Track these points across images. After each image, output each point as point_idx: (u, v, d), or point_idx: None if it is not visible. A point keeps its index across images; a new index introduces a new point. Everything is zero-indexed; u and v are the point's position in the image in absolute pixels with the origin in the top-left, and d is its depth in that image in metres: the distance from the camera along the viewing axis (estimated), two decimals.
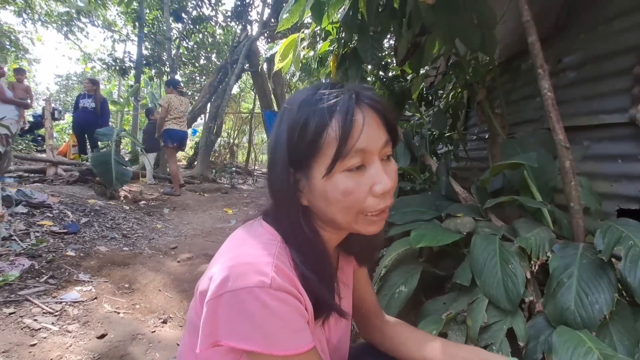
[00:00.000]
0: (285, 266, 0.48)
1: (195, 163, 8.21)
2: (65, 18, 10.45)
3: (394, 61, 2.46)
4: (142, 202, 4.07)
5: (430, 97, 2.44)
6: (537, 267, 1.03)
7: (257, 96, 9.28)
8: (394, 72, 2.49)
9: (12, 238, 2.12)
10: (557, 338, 0.83)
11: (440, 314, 1.07)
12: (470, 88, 2.26)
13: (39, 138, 8.37)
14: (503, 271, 1.00)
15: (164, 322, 1.63)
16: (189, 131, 9.91)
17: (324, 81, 0.56)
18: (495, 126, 2.03)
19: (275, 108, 8.58)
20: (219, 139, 8.95)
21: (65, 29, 10.98)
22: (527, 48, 1.29)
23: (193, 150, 9.73)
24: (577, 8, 1.75)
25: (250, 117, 10.67)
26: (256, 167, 11.19)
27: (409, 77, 2.25)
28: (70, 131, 8.88)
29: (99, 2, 8.91)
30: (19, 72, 6.19)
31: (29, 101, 5.97)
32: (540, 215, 1.23)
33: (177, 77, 8.55)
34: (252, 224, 0.56)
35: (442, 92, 2.45)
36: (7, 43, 11.28)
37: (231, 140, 10.90)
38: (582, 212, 1.11)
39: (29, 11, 9.96)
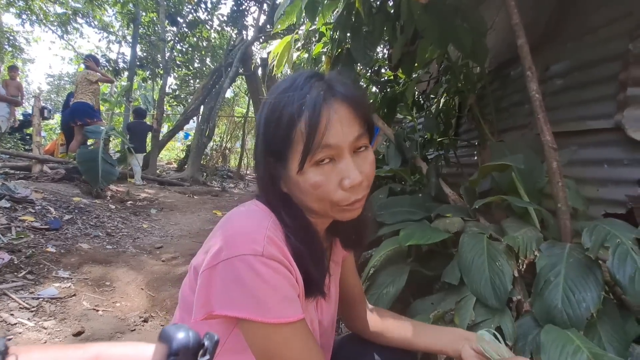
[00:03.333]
0: (277, 238, 0.49)
1: (185, 166, 8.13)
2: (63, 18, 10.36)
3: (387, 66, 2.49)
4: (129, 202, 3.99)
5: (423, 102, 2.47)
6: (524, 266, 1.03)
7: (251, 100, 9.28)
8: (386, 77, 2.52)
9: None
10: (545, 337, 0.82)
11: (428, 314, 1.05)
12: (462, 94, 2.29)
13: (28, 137, 8.20)
14: (490, 269, 0.99)
15: (145, 320, 1.58)
16: (181, 134, 9.83)
17: (304, 70, 0.58)
18: (485, 132, 2.06)
19: None
20: (212, 143, 8.89)
21: (61, 29, 10.87)
22: (516, 56, 1.31)
23: (184, 152, 9.64)
24: (563, 17, 1.80)
25: (243, 121, 10.64)
26: (248, 172, 11.13)
27: (401, 82, 2.27)
28: (59, 130, 8.74)
29: (96, 3, 8.87)
30: (12, 70, 6.13)
31: (19, 98, 5.88)
32: (528, 216, 1.23)
33: (171, 79, 8.51)
34: (246, 203, 0.58)
35: (433, 97, 2.48)
36: (6, 44, 11.14)
37: (224, 144, 10.85)
38: (569, 213, 1.12)
39: (29, 12, 9.85)
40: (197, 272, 0.50)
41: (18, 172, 4.22)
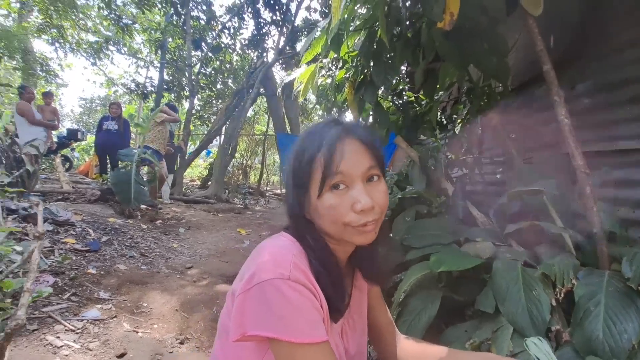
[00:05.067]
0: (302, 264, 0.56)
1: (209, 183, 8.37)
2: (95, 47, 11.13)
3: (408, 87, 2.54)
4: (159, 221, 4.15)
5: (445, 122, 2.49)
6: (562, 295, 1.02)
7: (270, 119, 9.53)
8: (407, 98, 2.55)
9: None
10: None
11: (462, 342, 1.05)
12: (485, 113, 2.29)
13: (62, 157, 8.72)
14: (527, 298, 0.98)
15: (181, 342, 1.64)
16: (203, 152, 10.16)
17: (332, 115, 0.69)
18: (511, 151, 2.05)
19: (289, 130, 8.78)
20: (232, 160, 9.15)
21: (93, 56, 11.67)
22: (539, 74, 1.32)
23: (207, 170, 9.94)
24: (587, 37, 1.79)
25: (263, 139, 10.90)
26: (268, 188, 11.30)
27: (423, 103, 2.30)
28: (92, 151, 9.24)
29: (127, 32, 9.51)
30: (47, 96, 6.55)
31: (56, 123, 6.30)
32: (562, 240, 1.22)
33: (195, 100, 8.88)
34: (275, 235, 0.65)
35: (456, 116, 2.49)
36: (39, 69, 12.02)
37: (244, 162, 11.12)
38: (605, 238, 1.10)
39: (62, 40, 10.67)
40: (234, 298, 0.55)
41: (56, 193, 4.52)
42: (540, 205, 1.33)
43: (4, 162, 3.16)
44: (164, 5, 8.19)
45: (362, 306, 0.75)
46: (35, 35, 10.65)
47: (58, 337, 1.54)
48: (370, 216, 0.57)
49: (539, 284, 1.01)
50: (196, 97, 9.31)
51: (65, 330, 1.60)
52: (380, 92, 2.34)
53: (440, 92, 2.33)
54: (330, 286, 0.58)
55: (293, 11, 8.16)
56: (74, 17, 10.60)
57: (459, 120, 2.42)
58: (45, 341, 1.50)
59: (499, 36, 1.76)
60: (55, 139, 8.87)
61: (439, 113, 2.52)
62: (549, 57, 1.37)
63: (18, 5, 11.09)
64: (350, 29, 1.88)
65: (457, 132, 2.37)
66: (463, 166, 2.37)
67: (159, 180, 5.03)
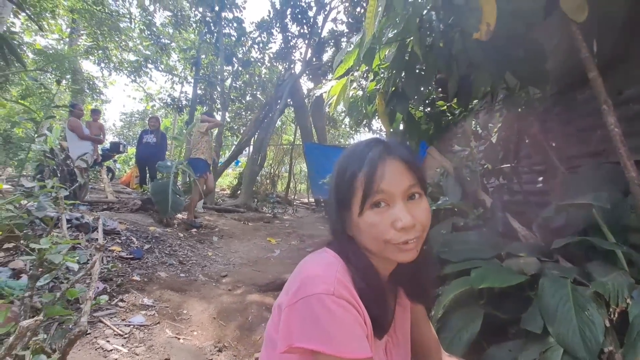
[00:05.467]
0: (346, 280, 0.57)
1: (238, 192, 8.62)
2: (135, 65, 11.97)
3: (440, 97, 2.50)
4: (194, 229, 4.33)
5: (480, 130, 2.42)
6: (616, 315, 0.96)
7: (297, 128, 9.70)
8: (439, 107, 2.52)
9: (89, 262, 2.36)
10: None
11: None
12: (522, 120, 2.21)
13: (106, 168, 9.34)
14: (579, 318, 0.94)
15: (220, 350, 1.69)
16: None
17: (375, 136, 0.70)
18: (553, 159, 1.96)
19: (316, 140, 8.88)
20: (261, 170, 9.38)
21: (133, 74, 12.54)
22: (582, 79, 1.27)
23: (237, 180, 10.25)
24: (633, 40, 1.69)
25: (290, 148, 11.10)
26: (295, 197, 11.43)
27: (456, 112, 2.26)
28: (132, 162, 9.82)
29: (164, 50, 10.15)
30: (95, 113, 7.09)
31: (102, 137, 6.78)
32: (614, 256, 1.15)
33: (226, 113, 9.24)
34: (318, 251, 0.66)
35: (491, 125, 2.42)
36: (86, 87, 13.07)
37: (272, 171, 11.35)
38: None
39: (106, 60, 11.57)
40: (280, 311, 0.57)
41: (101, 203, 4.86)
42: (588, 219, 1.26)
43: (59, 175, 3.45)
44: (198, 24, 8.67)
45: (406, 324, 0.75)
46: (84, 56, 11.64)
47: (108, 342, 1.64)
48: (411, 234, 0.58)
49: (592, 304, 0.95)
50: (227, 109, 9.69)
51: (114, 334, 1.70)
52: (410, 102, 2.33)
53: (475, 101, 2.28)
54: (374, 303, 0.59)
55: (319, 24, 8.33)
56: (117, 39, 11.47)
57: (494, 129, 2.35)
58: (97, 345, 1.60)
59: (535, 42, 1.71)
60: (99, 152, 9.55)
61: (473, 122, 2.47)
62: (594, 63, 1.32)
63: (69, 30, 12.19)
64: (383, 40, 1.90)
65: (493, 140, 2.30)
66: (500, 176, 2.29)
67: (206, 192, 5.07)
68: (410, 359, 0.74)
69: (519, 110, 2.08)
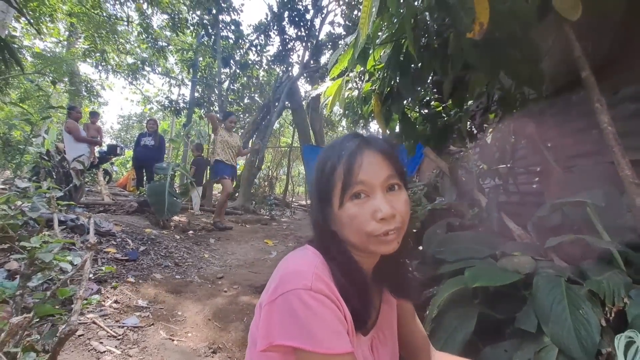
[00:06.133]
0: (325, 275, 0.57)
1: (236, 194, 8.59)
2: (133, 68, 11.97)
3: (436, 96, 2.51)
4: (190, 231, 4.31)
5: (475, 131, 2.43)
6: (612, 315, 0.95)
7: (296, 131, 9.71)
8: (434, 108, 2.52)
9: None
10: None
11: None
12: (518, 121, 2.22)
13: (102, 171, 9.31)
14: (574, 317, 0.93)
15: (214, 352, 1.68)
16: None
17: (353, 131, 0.70)
18: (548, 159, 1.96)
19: (314, 142, 8.89)
20: (259, 172, 9.36)
21: (131, 76, 12.54)
22: (577, 79, 1.27)
23: (235, 182, 10.23)
24: (630, 39, 1.70)
25: (288, 150, 11.10)
26: (293, 199, 11.42)
27: (452, 112, 2.27)
28: (129, 165, 9.78)
29: (162, 53, 10.17)
30: (93, 116, 7.10)
31: (99, 139, 6.77)
32: (610, 256, 1.14)
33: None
34: (299, 248, 0.67)
35: (487, 125, 2.43)
36: (83, 89, 13.07)
37: (270, 173, 11.34)
38: None
39: (104, 63, 11.57)
40: (261, 310, 0.57)
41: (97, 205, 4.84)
42: (583, 218, 1.25)
43: (55, 176, 3.43)
44: (195, 27, 8.68)
45: (392, 321, 0.74)
46: (81, 59, 11.65)
47: (101, 343, 1.62)
48: (391, 224, 0.58)
49: (586, 303, 0.95)
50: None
51: (108, 336, 1.68)
52: (406, 102, 2.33)
53: (470, 101, 2.28)
54: (355, 297, 0.58)
55: (317, 26, 8.37)
56: (114, 42, 11.47)
57: (490, 129, 2.35)
58: (90, 346, 1.58)
59: (531, 42, 1.71)
60: (96, 154, 9.53)
61: (468, 122, 2.47)
62: (588, 62, 1.32)
63: (67, 33, 12.20)
64: (377, 41, 1.91)
65: (488, 141, 2.30)
66: (496, 176, 2.29)
67: (225, 197, 4.96)
68: (399, 357, 0.74)
69: (514, 110, 2.08)
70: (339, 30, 8.54)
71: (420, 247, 1.71)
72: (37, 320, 1.34)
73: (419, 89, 1.90)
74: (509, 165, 2.30)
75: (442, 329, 1.18)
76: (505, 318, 1.22)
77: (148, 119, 7.40)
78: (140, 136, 6.43)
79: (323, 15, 8.45)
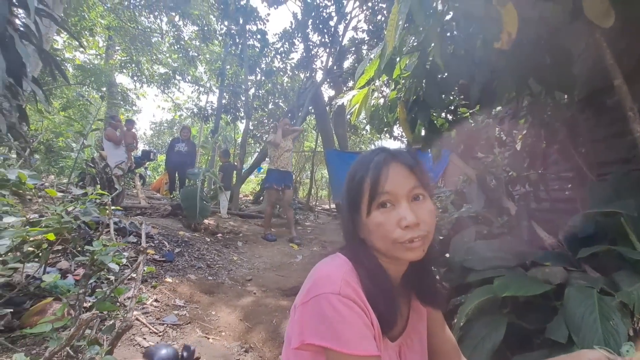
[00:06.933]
0: (353, 281, 0.61)
1: (261, 199, 8.80)
2: (164, 77, 12.63)
3: (463, 103, 2.50)
4: (219, 234, 4.49)
5: (504, 137, 2.39)
6: None
7: (319, 135, 9.82)
8: (461, 114, 2.51)
9: (126, 264, 2.52)
10: None
11: None
12: (548, 126, 2.17)
13: (137, 175, 9.85)
14: (604, 328, 0.93)
15: (246, 351, 1.77)
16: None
17: (381, 146, 0.76)
18: (581, 166, 1.91)
19: (337, 147, 8.95)
20: None
21: (163, 85, 13.22)
22: (610, 84, 1.25)
23: (259, 186, 10.48)
24: None
25: (312, 155, 11.22)
26: (317, 203, 11.51)
27: (480, 119, 2.26)
28: (161, 169, 10.27)
29: (192, 62, 10.68)
30: (130, 123, 7.54)
31: (135, 145, 7.20)
32: None
33: (249, 121, 9.52)
34: (331, 256, 0.71)
35: (516, 131, 2.39)
36: (120, 99, 13.91)
37: (294, 177, 11.50)
38: None
39: (139, 74, 12.29)
40: (295, 311, 0.63)
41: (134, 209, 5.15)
42: (617, 228, 1.23)
43: (99, 182, 3.70)
44: (223, 37, 9.03)
45: (421, 330, 0.77)
46: (119, 70, 12.42)
47: (144, 339, 1.75)
48: (416, 232, 0.61)
49: (617, 314, 0.94)
50: (250, 117, 9.99)
51: (150, 332, 1.82)
52: (432, 110, 2.34)
53: (498, 107, 2.26)
54: (381, 303, 0.62)
55: (340, 32, 8.46)
56: (148, 53, 12.15)
57: (519, 135, 2.31)
58: (135, 341, 1.72)
59: (561, 47, 1.69)
60: (132, 159, 10.09)
61: (497, 128, 2.44)
62: (620, 70, 1.30)
63: (105, 46, 13.05)
64: (403, 49, 1.94)
65: (517, 147, 2.27)
66: (526, 183, 2.25)
67: (269, 208, 4.83)
68: None
69: (545, 116, 2.04)
70: (362, 35, 8.58)
71: (447, 255, 1.72)
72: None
73: (445, 97, 1.91)
74: (540, 172, 2.26)
75: (470, 337, 1.20)
76: (534, 328, 1.22)
77: (182, 126, 7.78)
78: (173, 142, 6.77)
79: (346, 21, 8.53)
